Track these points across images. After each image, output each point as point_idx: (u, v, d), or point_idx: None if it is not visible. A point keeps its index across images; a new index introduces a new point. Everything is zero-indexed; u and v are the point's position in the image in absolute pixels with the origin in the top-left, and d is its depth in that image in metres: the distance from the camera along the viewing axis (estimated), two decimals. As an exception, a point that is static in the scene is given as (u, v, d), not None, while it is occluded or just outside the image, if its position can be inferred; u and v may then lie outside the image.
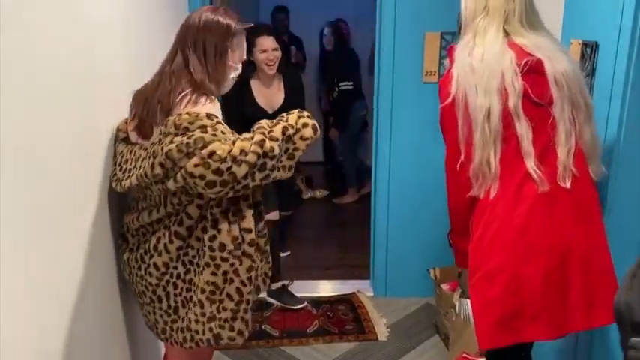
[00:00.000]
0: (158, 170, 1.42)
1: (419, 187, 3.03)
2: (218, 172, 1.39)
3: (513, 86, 1.43)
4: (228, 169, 1.40)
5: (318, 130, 1.60)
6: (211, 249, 1.53)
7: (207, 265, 1.54)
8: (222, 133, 1.44)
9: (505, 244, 1.47)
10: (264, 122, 1.56)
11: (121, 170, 1.60)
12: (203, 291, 1.55)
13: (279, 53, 2.78)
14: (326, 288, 3.36)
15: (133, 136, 1.64)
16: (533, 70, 1.45)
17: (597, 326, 1.54)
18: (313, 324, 2.92)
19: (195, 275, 1.58)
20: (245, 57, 1.72)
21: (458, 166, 1.52)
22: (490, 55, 1.45)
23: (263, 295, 3.17)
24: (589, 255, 1.48)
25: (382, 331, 2.85)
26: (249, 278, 1.58)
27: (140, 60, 1.95)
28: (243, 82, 2.90)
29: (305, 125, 1.56)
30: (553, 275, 1.45)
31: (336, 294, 3.25)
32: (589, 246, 1.49)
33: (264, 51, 2.74)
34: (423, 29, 2.85)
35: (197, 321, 1.58)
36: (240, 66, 1.68)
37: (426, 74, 2.90)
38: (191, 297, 1.59)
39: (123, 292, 1.77)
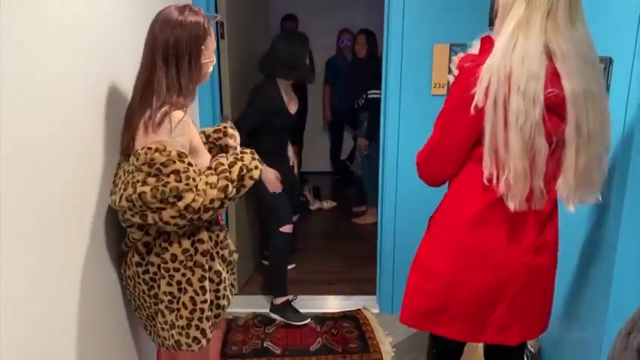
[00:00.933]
0: (124, 203, 1.50)
1: (426, 202, 2.91)
2: (190, 220, 1.54)
3: (539, 98, 1.33)
4: (199, 217, 1.55)
5: (260, 177, 1.73)
6: (164, 260, 1.61)
7: (163, 276, 1.62)
8: (193, 180, 1.52)
9: (455, 253, 1.53)
10: (222, 159, 1.65)
11: (113, 184, 1.64)
12: (162, 301, 1.64)
13: None
14: (330, 304, 3.28)
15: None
16: (553, 100, 1.35)
17: (510, 343, 1.62)
18: (316, 342, 2.84)
19: (159, 289, 1.64)
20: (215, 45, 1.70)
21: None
22: (530, 59, 1.32)
23: (266, 310, 3.12)
24: (534, 280, 1.54)
25: (387, 351, 2.76)
26: (202, 287, 1.64)
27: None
28: (270, 84, 3.00)
29: (256, 167, 1.70)
30: (487, 292, 1.53)
31: (340, 310, 3.17)
32: (538, 271, 1.54)
33: None
34: (431, 40, 2.78)
35: (162, 328, 1.67)
36: (214, 56, 1.67)
37: (435, 87, 2.83)
38: (158, 309, 1.67)
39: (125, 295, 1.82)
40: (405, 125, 2.88)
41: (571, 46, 1.34)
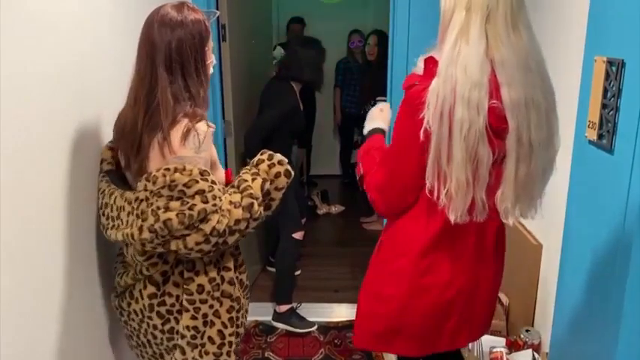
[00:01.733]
0: (146, 235, 1.32)
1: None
2: (215, 244, 1.38)
3: (483, 106, 1.28)
4: (224, 241, 1.40)
5: (292, 174, 1.55)
6: (188, 292, 1.45)
7: (186, 309, 1.45)
8: (219, 199, 1.38)
9: (406, 280, 1.51)
10: (245, 175, 1.48)
11: (103, 215, 1.48)
12: (183, 337, 1.47)
13: None
14: (335, 312, 3.20)
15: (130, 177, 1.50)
16: (496, 113, 1.30)
17: (460, 347, 1.71)
18: (319, 352, 2.77)
19: (176, 323, 1.48)
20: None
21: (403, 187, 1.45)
22: (472, 67, 1.27)
23: (268, 318, 3.06)
24: (479, 291, 1.57)
25: (392, 362, 2.68)
26: (231, 319, 1.50)
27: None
28: (287, 86, 3.01)
29: (278, 175, 1.51)
30: (439, 310, 1.54)
31: (345, 319, 3.09)
32: (483, 281, 1.57)
33: None
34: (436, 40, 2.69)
35: None
36: (214, 57, 1.51)
37: (441, 89, 2.74)
38: (174, 345, 1.51)
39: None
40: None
41: (511, 53, 1.29)
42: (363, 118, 1.78)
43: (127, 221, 1.37)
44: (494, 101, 1.29)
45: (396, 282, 1.54)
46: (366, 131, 1.71)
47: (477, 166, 1.32)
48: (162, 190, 1.31)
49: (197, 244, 1.34)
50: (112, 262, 1.65)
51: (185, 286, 1.45)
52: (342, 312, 3.19)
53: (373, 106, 4.12)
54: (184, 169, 1.33)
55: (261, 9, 3.71)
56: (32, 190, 1.28)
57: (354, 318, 2.95)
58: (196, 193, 1.32)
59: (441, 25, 1.38)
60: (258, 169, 1.49)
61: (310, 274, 3.70)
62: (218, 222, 1.35)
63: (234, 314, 1.50)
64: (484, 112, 1.28)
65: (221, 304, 1.48)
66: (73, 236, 1.46)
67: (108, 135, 1.62)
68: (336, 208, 5.08)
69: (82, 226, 1.53)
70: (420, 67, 1.41)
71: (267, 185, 1.48)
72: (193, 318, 1.45)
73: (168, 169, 1.32)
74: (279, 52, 4.51)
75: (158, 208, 1.31)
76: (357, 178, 1.62)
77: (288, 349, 2.81)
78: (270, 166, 1.50)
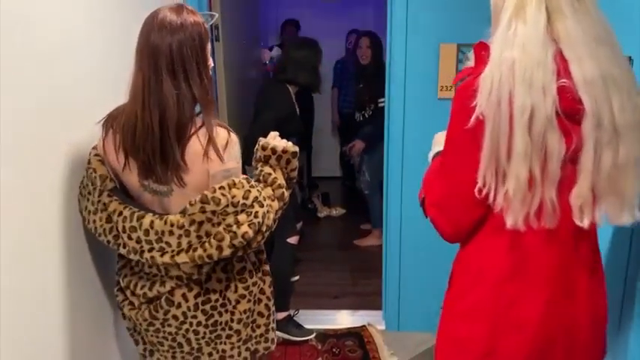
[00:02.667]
0: (227, 252, 1.40)
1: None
2: (264, 236, 1.49)
3: (550, 87, 1.09)
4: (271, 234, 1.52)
5: (297, 152, 1.62)
6: (243, 281, 1.57)
7: (242, 296, 1.57)
8: (264, 198, 1.47)
9: (484, 314, 1.23)
10: (266, 168, 1.57)
11: (130, 239, 1.42)
12: (240, 321, 1.59)
13: None
14: (334, 319, 3.11)
15: (135, 182, 1.46)
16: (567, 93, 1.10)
17: None
18: (316, 362, 2.68)
19: (220, 316, 1.55)
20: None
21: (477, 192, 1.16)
22: (532, 44, 1.09)
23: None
24: (575, 331, 1.23)
25: (392, 372, 2.59)
26: (272, 292, 1.69)
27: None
28: (282, 87, 2.95)
29: (288, 161, 1.60)
30: (534, 353, 1.21)
31: (344, 327, 3.00)
32: (581, 323, 1.23)
33: None
34: (437, 40, 2.60)
35: (232, 348, 1.61)
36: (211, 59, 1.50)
37: (442, 89, 2.64)
38: (218, 335, 1.58)
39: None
40: (410, 133, 2.70)
41: (577, 24, 1.11)
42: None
43: (180, 244, 1.39)
44: (564, 80, 1.08)
45: (475, 319, 1.25)
46: (430, 155, 1.46)
47: (546, 160, 1.10)
48: (227, 208, 1.37)
49: (258, 243, 1.46)
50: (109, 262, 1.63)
51: (239, 276, 1.56)
52: (342, 319, 3.11)
53: (373, 110, 3.91)
54: (235, 183, 1.39)
55: (252, 8, 3.65)
56: (32, 191, 1.29)
57: (353, 325, 2.88)
58: (254, 201, 1.41)
59: (494, 10, 1.21)
60: (270, 164, 1.58)
61: (309, 280, 3.61)
62: (269, 219, 1.47)
63: (271, 288, 1.69)
64: (552, 94, 1.07)
65: (264, 282, 1.66)
66: (72, 238, 1.48)
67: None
68: (337, 211, 5.00)
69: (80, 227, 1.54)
70: (470, 61, 1.23)
71: (285, 173, 1.60)
72: (248, 301, 1.58)
73: (223, 188, 1.37)
74: (276, 52, 4.44)
75: (229, 225, 1.37)
76: (420, 204, 1.37)
77: (285, 357, 2.73)
78: (278, 159, 1.58)
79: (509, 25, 1.12)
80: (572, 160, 1.12)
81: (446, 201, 1.24)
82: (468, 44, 2.56)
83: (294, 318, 2.99)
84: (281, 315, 2.93)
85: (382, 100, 3.72)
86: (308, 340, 2.87)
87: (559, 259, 1.19)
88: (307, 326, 2.95)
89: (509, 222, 1.14)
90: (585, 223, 1.14)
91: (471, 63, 1.22)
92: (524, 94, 1.07)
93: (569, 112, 1.09)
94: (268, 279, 1.68)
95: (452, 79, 1.26)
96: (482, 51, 1.16)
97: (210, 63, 1.46)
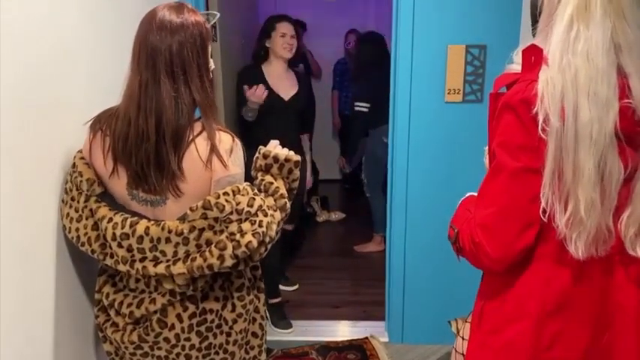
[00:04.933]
0: (229, 262, 1.30)
1: (440, 220, 2.64)
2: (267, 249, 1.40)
3: (612, 103, 1.00)
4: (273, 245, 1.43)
5: (299, 162, 1.52)
6: (241, 299, 1.48)
7: (240, 315, 1.48)
8: (267, 207, 1.39)
9: (521, 354, 1.12)
10: (267, 177, 1.48)
11: (120, 247, 1.31)
12: (235, 342, 1.49)
13: (295, 41, 2.91)
14: (335, 331, 3.00)
15: (122, 190, 1.37)
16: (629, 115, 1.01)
17: None
18: (318, 376, 2.57)
19: (215, 338, 1.44)
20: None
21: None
22: (596, 54, 0.99)
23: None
24: None
25: (396, 387, 2.48)
26: (265, 310, 1.61)
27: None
28: (253, 67, 2.94)
29: (290, 171, 1.50)
30: None
31: (346, 339, 2.89)
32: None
33: (283, 35, 2.86)
34: (445, 41, 2.49)
35: None
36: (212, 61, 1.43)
37: (449, 93, 2.53)
38: (212, 359, 1.48)
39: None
40: (416, 137, 2.59)
41: (639, 34, 1.00)
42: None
43: (177, 252, 1.30)
44: (629, 100, 1.00)
45: (512, 358, 1.15)
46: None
47: (604, 182, 1.02)
48: (231, 215, 1.29)
49: (260, 255, 1.37)
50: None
51: (237, 294, 1.47)
52: (343, 331, 2.99)
53: (351, 113, 3.78)
54: (239, 190, 1.32)
55: (249, 7, 3.56)
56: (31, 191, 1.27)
57: (355, 337, 2.76)
58: (258, 209, 1.34)
59: (546, 7, 1.08)
60: (272, 173, 1.49)
61: (308, 288, 3.49)
62: (271, 230, 1.38)
63: (265, 306, 1.61)
64: (614, 111, 0.99)
65: (259, 300, 1.57)
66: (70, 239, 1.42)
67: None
68: (336, 215, 4.87)
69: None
70: (514, 66, 1.12)
71: (287, 183, 1.52)
72: (245, 321, 1.50)
73: (226, 194, 1.30)
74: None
75: (232, 234, 1.29)
76: (452, 241, 1.23)
77: (285, 372, 2.62)
78: (280, 167, 1.49)
79: (570, 25, 1.00)
80: (624, 186, 1.03)
81: (498, 219, 1.09)
82: (478, 45, 2.45)
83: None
84: (270, 301, 2.96)
85: (360, 104, 3.62)
86: (290, 331, 2.95)
87: (600, 290, 1.09)
88: (308, 338, 2.86)
89: (577, 251, 1.03)
90: (639, 252, 1.06)
91: (515, 67, 1.10)
92: (590, 109, 0.98)
93: (628, 133, 1.01)
94: (262, 297, 1.58)
95: (493, 85, 1.12)
96: (534, 55, 1.04)
97: (212, 65, 1.40)
